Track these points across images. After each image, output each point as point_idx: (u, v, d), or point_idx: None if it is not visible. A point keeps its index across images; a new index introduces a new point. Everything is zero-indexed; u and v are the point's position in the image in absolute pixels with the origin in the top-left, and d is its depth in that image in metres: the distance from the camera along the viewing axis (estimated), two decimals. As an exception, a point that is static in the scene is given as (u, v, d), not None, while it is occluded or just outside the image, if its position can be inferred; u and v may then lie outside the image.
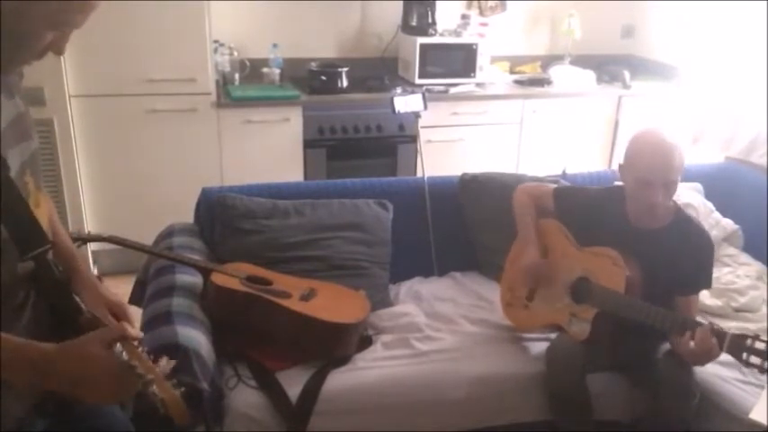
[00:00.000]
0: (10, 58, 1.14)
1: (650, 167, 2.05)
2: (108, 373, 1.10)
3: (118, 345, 1.11)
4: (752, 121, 3.64)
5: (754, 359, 1.81)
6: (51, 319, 1.29)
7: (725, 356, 2.19)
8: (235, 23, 3.93)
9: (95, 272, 3.51)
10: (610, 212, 2.23)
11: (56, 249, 1.38)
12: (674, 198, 2.21)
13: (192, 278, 2.29)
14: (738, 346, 1.85)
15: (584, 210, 2.31)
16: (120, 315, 1.39)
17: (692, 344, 1.92)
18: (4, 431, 1.18)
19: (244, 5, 3.94)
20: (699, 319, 2.15)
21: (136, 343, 1.19)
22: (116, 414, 1.49)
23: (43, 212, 1.30)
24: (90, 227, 3.50)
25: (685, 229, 2.17)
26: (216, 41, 3.72)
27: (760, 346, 1.81)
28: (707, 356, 1.93)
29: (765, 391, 2.09)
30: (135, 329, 1.27)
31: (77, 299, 1.29)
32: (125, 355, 1.10)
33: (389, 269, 2.67)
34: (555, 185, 2.47)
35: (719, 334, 1.89)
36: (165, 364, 1.21)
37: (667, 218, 2.17)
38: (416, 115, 3.03)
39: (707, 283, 2.21)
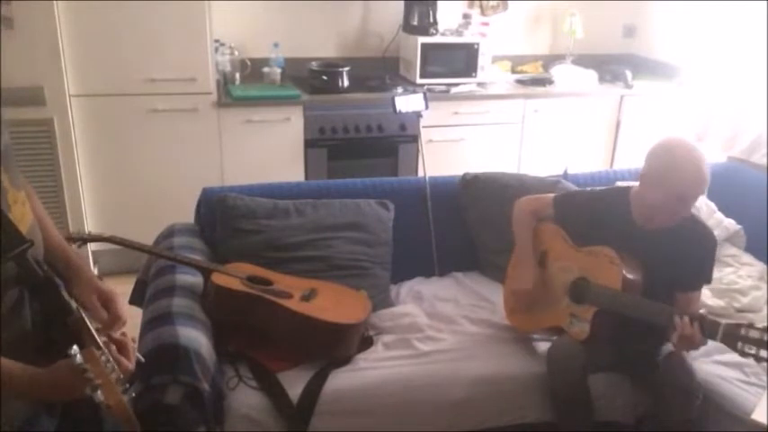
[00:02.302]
0: None
1: (687, 183, 2.02)
2: (64, 378, 1.16)
3: (75, 347, 1.13)
4: (754, 120, 3.63)
5: (750, 348, 1.80)
6: (47, 319, 1.29)
7: (726, 357, 2.19)
8: (236, 23, 3.92)
9: (96, 272, 3.51)
10: (613, 214, 2.22)
11: (46, 245, 1.38)
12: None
13: (193, 278, 2.28)
14: (732, 335, 1.83)
15: (586, 212, 2.30)
16: (108, 303, 1.42)
17: (675, 334, 1.93)
18: (11, 431, 1.19)
19: (245, 5, 3.94)
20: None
21: (109, 351, 1.21)
22: None
23: (22, 210, 1.29)
24: (90, 227, 3.50)
25: (690, 227, 2.16)
26: (217, 41, 3.72)
27: (754, 334, 1.80)
28: (691, 344, 1.93)
29: (767, 391, 2.08)
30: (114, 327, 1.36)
31: (66, 298, 1.29)
32: (79, 358, 1.13)
33: (390, 269, 2.67)
34: (554, 194, 2.45)
35: (712, 324, 1.88)
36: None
37: None
38: (418, 115, 3.03)
39: (706, 279, 2.19)
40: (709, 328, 1.88)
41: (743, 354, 1.81)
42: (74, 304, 1.30)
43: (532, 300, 2.33)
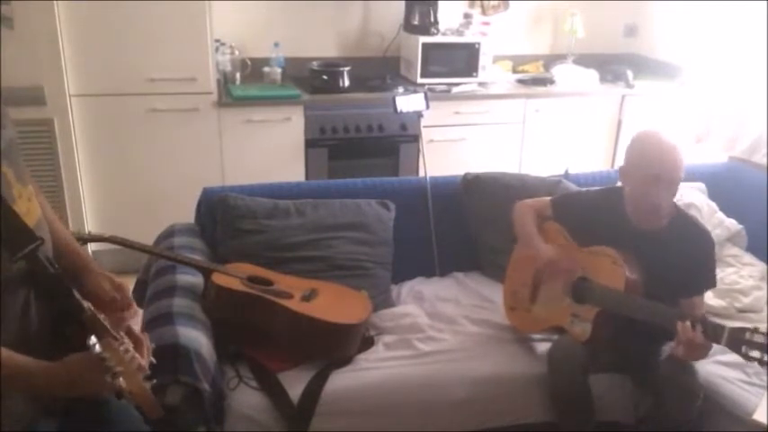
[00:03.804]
0: None
1: (659, 163, 2.05)
2: (85, 369, 1.15)
3: (93, 337, 1.13)
4: (755, 120, 3.63)
5: (754, 353, 1.80)
6: (55, 319, 1.28)
7: (728, 357, 2.18)
8: (236, 23, 3.92)
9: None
10: (610, 214, 2.22)
11: (56, 245, 1.37)
12: (678, 198, 2.20)
13: (193, 278, 2.28)
14: (737, 339, 1.83)
15: (584, 213, 2.30)
16: (119, 289, 1.45)
17: (678, 340, 1.91)
18: (13, 431, 1.19)
19: (245, 5, 3.93)
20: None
21: (128, 341, 1.21)
22: (130, 414, 1.49)
23: (28, 205, 1.27)
24: (90, 227, 3.50)
25: (685, 228, 2.17)
26: (217, 41, 3.71)
27: (759, 339, 1.79)
28: (694, 349, 1.92)
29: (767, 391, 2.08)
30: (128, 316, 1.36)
31: (78, 296, 1.28)
32: (98, 348, 1.14)
33: (391, 269, 2.66)
34: (552, 197, 2.45)
35: (717, 328, 1.88)
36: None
37: (668, 218, 2.16)
38: (418, 115, 3.03)
39: (710, 283, 2.20)
40: (712, 332, 1.88)
41: (747, 358, 1.80)
42: (85, 303, 1.29)
43: (560, 270, 2.28)
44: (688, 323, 1.90)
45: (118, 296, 1.42)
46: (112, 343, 1.18)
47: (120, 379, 1.13)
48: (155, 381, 1.20)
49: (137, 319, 1.65)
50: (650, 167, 2.06)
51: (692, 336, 1.88)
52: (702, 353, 1.96)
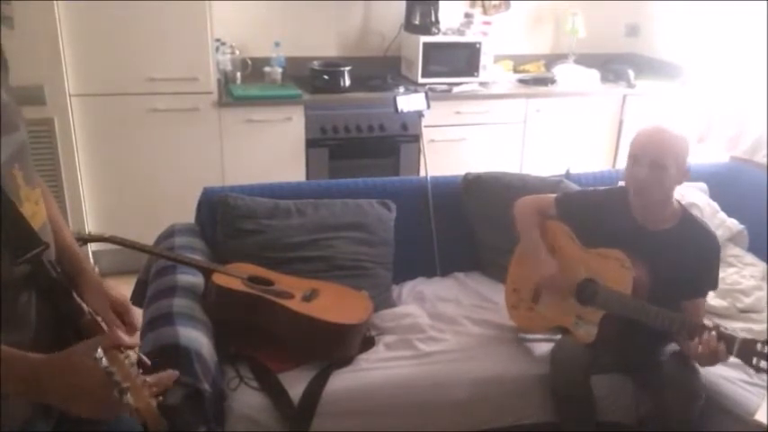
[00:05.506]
0: None
1: (638, 143, 2.12)
2: (91, 381, 1.09)
3: (99, 350, 1.10)
4: (757, 120, 3.63)
5: (765, 364, 1.80)
6: (56, 323, 1.27)
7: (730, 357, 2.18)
8: (236, 22, 3.92)
9: (96, 272, 3.50)
10: (615, 213, 2.21)
11: (58, 248, 1.36)
12: (679, 198, 2.19)
13: (194, 278, 2.27)
14: (748, 350, 1.83)
15: (588, 212, 2.29)
16: (123, 313, 1.38)
17: (699, 348, 1.90)
18: (8, 431, 1.17)
19: (246, 4, 3.93)
20: (705, 321, 2.12)
21: (133, 353, 1.18)
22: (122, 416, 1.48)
23: (34, 208, 1.26)
24: (90, 227, 3.50)
25: (692, 230, 2.15)
26: (217, 40, 3.71)
27: None
28: (714, 359, 1.91)
29: (768, 392, 2.08)
30: (129, 338, 1.28)
31: (78, 300, 1.27)
32: (105, 362, 1.09)
33: (392, 269, 2.66)
34: (556, 195, 2.43)
35: (728, 338, 1.87)
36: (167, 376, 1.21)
37: (674, 219, 2.16)
38: (419, 114, 3.03)
39: (713, 285, 2.19)
40: (724, 342, 1.88)
41: (757, 369, 1.81)
42: (86, 307, 1.27)
43: (557, 287, 2.29)
44: (714, 333, 1.89)
45: (119, 323, 1.34)
46: (118, 355, 1.14)
47: (128, 395, 1.07)
48: (160, 398, 1.17)
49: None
50: (631, 148, 2.13)
51: (716, 346, 1.87)
52: (717, 361, 1.95)
